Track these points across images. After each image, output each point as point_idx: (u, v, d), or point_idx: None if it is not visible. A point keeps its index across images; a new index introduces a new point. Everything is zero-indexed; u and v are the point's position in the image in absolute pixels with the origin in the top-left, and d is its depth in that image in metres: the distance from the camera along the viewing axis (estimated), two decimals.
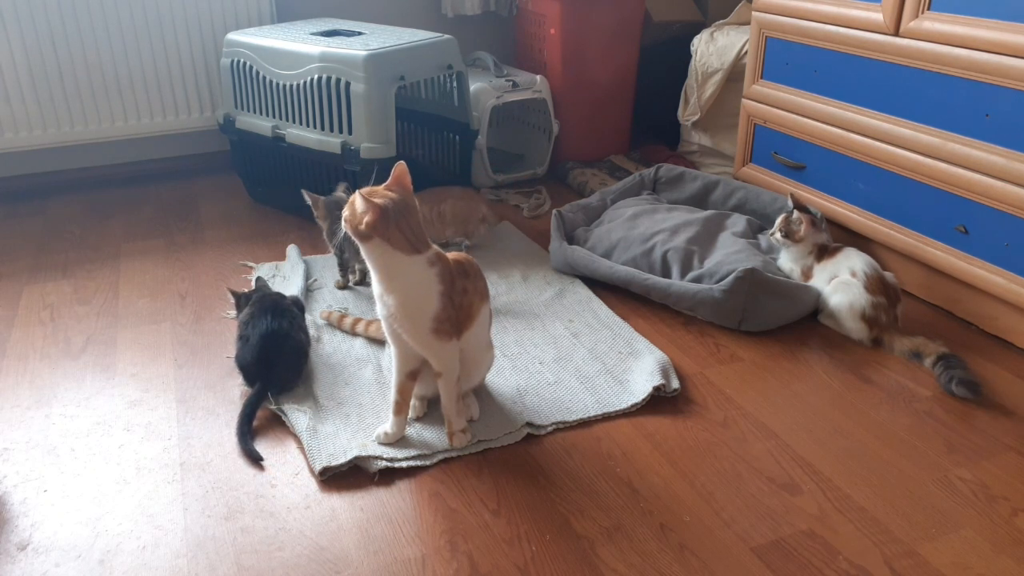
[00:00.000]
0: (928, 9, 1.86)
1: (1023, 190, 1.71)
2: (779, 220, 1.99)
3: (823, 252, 1.96)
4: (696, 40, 2.81)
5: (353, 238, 1.38)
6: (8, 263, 2.29)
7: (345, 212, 1.38)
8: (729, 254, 2.01)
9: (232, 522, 1.34)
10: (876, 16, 1.98)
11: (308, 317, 1.89)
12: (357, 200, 1.34)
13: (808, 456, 1.49)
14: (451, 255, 1.47)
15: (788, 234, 1.96)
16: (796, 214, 1.95)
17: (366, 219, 1.34)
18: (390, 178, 1.41)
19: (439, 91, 2.62)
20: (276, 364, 1.63)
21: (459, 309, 1.44)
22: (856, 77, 2.08)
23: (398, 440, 1.51)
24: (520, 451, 1.51)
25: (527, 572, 1.24)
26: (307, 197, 2.05)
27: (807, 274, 1.98)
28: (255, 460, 1.48)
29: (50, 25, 2.58)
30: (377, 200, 1.34)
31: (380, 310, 1.44)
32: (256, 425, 1.58)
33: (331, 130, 2.35)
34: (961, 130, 1.83)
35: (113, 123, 2.76)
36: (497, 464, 1.48)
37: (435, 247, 1.43)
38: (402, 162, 1.41)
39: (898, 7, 1.92)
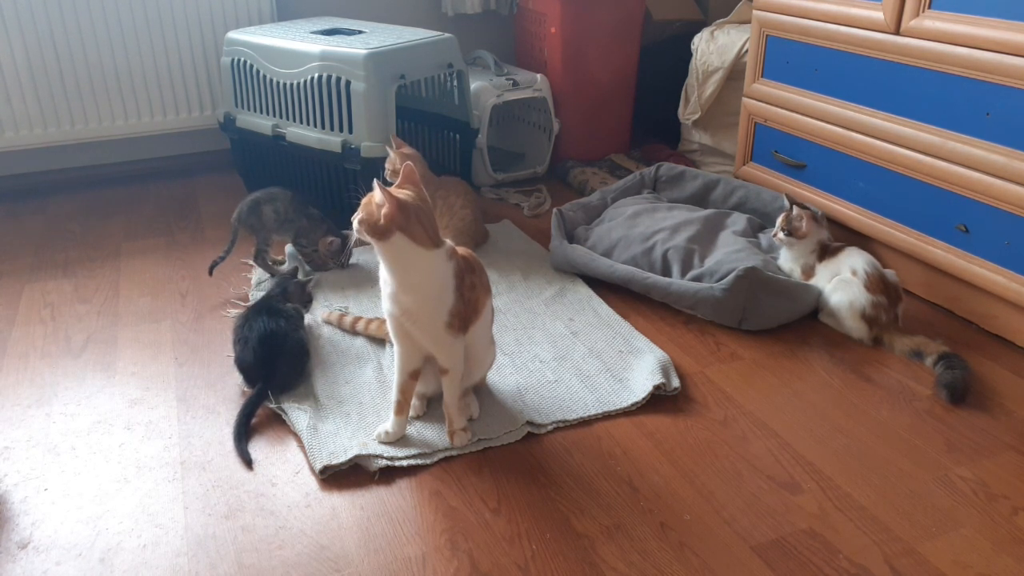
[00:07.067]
0: (929, 8, 1.86)
1: (1023, 189, 1.71)
2: (780, 219, 1.98)
3: (825, 251, 1.96)
4: (696, 39, 2.80)
5: (370, 239, 1.35)
6: (9, 262, 2.29)
7: (359, 214, 1.35)
8: (729, 253, 2.01)
9: (233, 521, 1.34)
10: (877, 15, 1.98)
11: (307, 316, 1.89)
12: (376, 194, 1.33)
13: (808, 455, 1.49)
14: (458, 250, 1.47)
15: (792, 231, 1.96)
16: (796, 210, 1.95)
17: (384, 211, 1.32)
18: (399, 178, 1.41)
19: (439, 90, 2.62)
20: (278, 364, 1.63)
21: (467, 304, 1.44)
22: (857, 76, 2.08)
23: (398, 439, 1.51)
24: (520, 450, 1.51)
25: (527, 571, 1.24)
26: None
27: (808, 273, 1.98)
28: (246, 462, 1.48)
29: (50, 25, 2.58)
30: (396, 193, 1.34)
31: (390, 309, 1.42)
32: (256, 423, 1.58)
33: (331, 129, 2.35)
34: (962, 129, 1.83)
35: (113, 122, 2.76)
36: (497, 463, 1.48)
37: (448, 241, 1.43)
38: (408, 163, 1.42)
39: (899, 6, 1.92)
